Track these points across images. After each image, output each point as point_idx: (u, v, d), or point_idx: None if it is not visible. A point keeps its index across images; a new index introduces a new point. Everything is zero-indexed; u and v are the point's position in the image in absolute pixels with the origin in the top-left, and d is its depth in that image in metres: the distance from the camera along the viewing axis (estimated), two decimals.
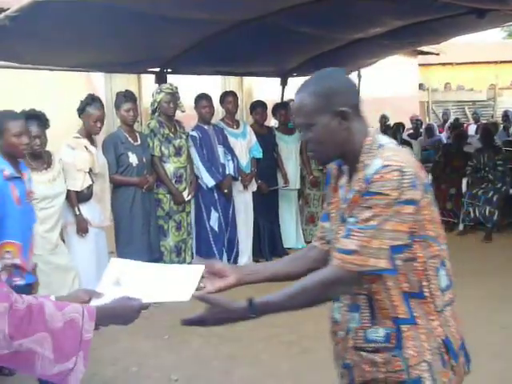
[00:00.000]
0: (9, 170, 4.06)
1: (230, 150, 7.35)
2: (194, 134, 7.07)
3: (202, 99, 7.18)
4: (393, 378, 2.19)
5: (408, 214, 2.07)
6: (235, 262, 7.53)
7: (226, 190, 7.22)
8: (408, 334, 2.16)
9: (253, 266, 2.57)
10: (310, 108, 2.21)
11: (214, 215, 7.18)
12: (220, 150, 7.24)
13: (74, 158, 5.60)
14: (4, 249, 4.04)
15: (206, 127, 7.17)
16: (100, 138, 6.26)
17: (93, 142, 5.86)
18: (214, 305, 2.17)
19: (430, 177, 10.13)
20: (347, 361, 2.32)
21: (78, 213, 5.64)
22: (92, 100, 5.75)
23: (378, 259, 2.06)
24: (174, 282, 2.34)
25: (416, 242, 2.13)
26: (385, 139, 2.24)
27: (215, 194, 7.18)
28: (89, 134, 5.77)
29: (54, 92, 8.65)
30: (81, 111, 5.74)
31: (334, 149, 2.25)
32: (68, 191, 5.53)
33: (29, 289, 4.18)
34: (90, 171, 5.69)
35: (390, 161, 2.08)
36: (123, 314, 2.20)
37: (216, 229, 7.22)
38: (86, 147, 5.69)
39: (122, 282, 2.36)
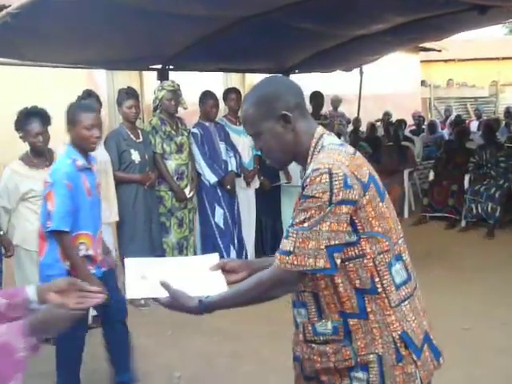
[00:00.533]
0: (81, 161, 4.08)
1: (231, 146, 7.34)
2: (195, 131, 7.06)
3: (210, 98, 7.13)
4: (342, 365, 2.26)
5: (344, 214, 2.12)
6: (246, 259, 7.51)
7: (228, 187, 7.21)
8: (356, 328, 2.23)
9: (262, 260, 2.68)
10: (254, 117, 2.32)
11: (219, 212, 7.16)
12: (222, 146, 7.22)
13: None
14: (78, 240, 4.07)
15: (207, 124, 7.15)
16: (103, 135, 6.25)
17: None
18: (173, 297, 2.32)
19: (432, 173, 10.17)
20: (297, 353, 2.48)
21: None
22: (88, 95, 5.77)
23: (315, 259, 2.11)
24: (200, 275, 2.49)
25: (363, 239, 2.18)
26: (329, 140, 2.30)
27: (218, 191, 7.16)
28: None
29: (56, 89, 8.66)
30: None
31: (284, 153, 2.36)
32: None
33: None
34: None
35: (319, 164, 2.15)
36: (54, 324, 2.20)
37: (222, 225, 7.19)
38: None
39: (148, 276, 2.44)
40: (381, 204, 2.23)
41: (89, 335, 5.67)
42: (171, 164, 6.63)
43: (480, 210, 9.15)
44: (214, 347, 5.36)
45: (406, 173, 10.49)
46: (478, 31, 12.05)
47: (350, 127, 13.26)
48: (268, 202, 8.00)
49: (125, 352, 4.46)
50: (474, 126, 15.39)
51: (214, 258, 2.65)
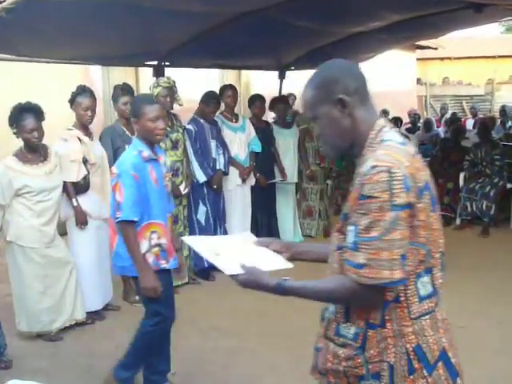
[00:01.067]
0: (147, 152, 4.11)
1: (222, 144, 7.32)
2: (190, 127, 7.02)
3: (214, 101, 7.12)
4: (352, 372, 2.22)
5: (408, 218, 2.04)
6: None
7: (215, 186, 7.19)
8: (373, 336, 2.17)
9: (305, 246, 2.67)
10: (312, 101, 2.25)
11: (202, 209, 7.13)
12: (213, 144, 7.19)
13: (68, 150, 5.59)
14: (149, 229, 4.07)
15: (201, 121, 7.12)
16: (99, 131, 6.23)
17: (89, 134, 5.83)
18: (251, 274, 2.29)
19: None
20: (318, 344, 2.39)
21: (75, 204, 5.62)
22: (82, 90, 5.72)
23: (391, 270, 2.03)
24: (255, 252, 2.56)
25: (409, 250, 2.09)
26: (390, 135, 2.19)
27: (204, 189, 7.13)
28: (83, 125, 5.74)
29: (52, 85, 8.63)
30: (72, 102, 5.72)
31: (341, 139, 2.26)
32: (65, 183, 5.52)
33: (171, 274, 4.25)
34: (86, 161, 5.66)
35: (378, 161, 2.05)
36: None
37: (203, 222, 7.17)
38: (78, 138, 5.67)
39: (220, 253, 2.47)
40: (431, 214, 2.13)
41: (82, 332, 5.68)
42: (166, 161, 6.59)
43: (475, 208, 9.17)
44: (209, 345, 5.35)
45: None
46: (474, 29, 12.03)
47: None
48: (263, 199, 8.00)
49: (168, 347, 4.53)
50: (469, 124, 15.41)
51: (250, 236, 2.76)
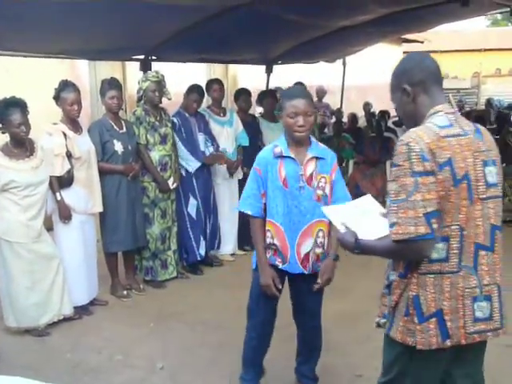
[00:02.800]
0: (280, 148, 3.90)
1: (210, 137, 7.30)
2: (174, 120, 6.98)
3: (195, 93, 7.06)
4: (381, 308, 2.81)
5: (432, 184, 2.40)
6: (218, 248, 7.54)
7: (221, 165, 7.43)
8: (396, 285, 2.64)
9: None
10: (390, 86, 2.77)
11: (193, 202, 7.12)
12: (200, 137, 7.17)
13: (52, 144, 5.57)
14: (267, 227, 3.97)
15: (186, 114, 7.10)
16: (86, 125, 6.21)
17: (78, 128, 5.81)
18: (346, 233, 2.78)
19: None
20: None
21: (59, 198, 5.60)
22: (65, 85, 5.69)
23: (416, 226, 2.39)
24: (375, 220, 2.85)
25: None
26: (436, 119, 2.56)
27: (194, 182, 7.12)
28: (70, 119, 5.73)
29: (38, 80, 8.58)
30: (56, 98, 5.70)
31: (407, 118, 2.75)
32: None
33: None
34: (70, 156, 5.63)
35: (404, 136, 2.49)
36: None
37: (194, 216, 7.15)
38: (63, 132, 5.65)
39: (348, 225, 2.82)
40: (451, 188, 2.45)
41: (70, 327, 5.67)
42: (155, 155, 6.59)
43: None
44: (196, 338, 5.36)
45: (388, 164, 10.51)
46: (460, 23, 12.09)
47: (334, 118, 13.28)
48: None
49: (313, 350, 4.45)
50: None
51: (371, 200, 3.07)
